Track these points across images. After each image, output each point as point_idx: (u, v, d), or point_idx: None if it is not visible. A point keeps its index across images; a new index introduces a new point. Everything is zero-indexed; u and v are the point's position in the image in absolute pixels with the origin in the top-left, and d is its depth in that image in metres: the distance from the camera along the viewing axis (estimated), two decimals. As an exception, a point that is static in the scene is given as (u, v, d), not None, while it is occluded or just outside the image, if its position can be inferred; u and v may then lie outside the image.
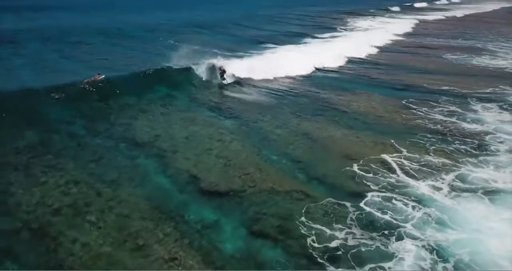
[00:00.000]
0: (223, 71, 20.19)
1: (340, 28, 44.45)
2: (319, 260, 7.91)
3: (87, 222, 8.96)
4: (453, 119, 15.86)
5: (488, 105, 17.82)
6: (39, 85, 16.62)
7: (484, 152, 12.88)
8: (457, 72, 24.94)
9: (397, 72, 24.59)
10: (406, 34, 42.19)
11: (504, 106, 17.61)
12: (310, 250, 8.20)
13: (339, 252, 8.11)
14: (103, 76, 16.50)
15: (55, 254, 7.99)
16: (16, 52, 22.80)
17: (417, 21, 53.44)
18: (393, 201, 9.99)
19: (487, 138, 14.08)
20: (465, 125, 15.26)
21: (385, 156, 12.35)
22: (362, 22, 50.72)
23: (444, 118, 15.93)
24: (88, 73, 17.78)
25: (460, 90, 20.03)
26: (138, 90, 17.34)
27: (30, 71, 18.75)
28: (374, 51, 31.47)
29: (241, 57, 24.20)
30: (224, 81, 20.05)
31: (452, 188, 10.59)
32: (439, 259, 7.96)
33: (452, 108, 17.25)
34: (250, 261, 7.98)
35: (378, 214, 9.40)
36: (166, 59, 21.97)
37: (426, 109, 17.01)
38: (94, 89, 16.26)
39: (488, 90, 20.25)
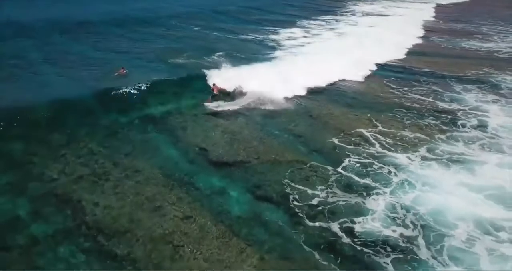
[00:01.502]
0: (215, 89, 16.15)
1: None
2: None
3: (106, 188, 9.84)
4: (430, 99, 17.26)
5: (469, 86, 18.99)
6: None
7: (455, 128, 14.37)
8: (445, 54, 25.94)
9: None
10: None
11: (485, 88, 18.89)
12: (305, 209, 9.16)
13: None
14: (126, 70, 17.08)
15: (80, 215, 8.89)
16: (37, 45, 22.97)
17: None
18: (372, 167, 11.19)
19: (459, 114, 15.60)
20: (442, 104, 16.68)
21: (363, 130, 13.77)
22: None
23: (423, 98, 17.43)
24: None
25: (442, 73, 21.19)
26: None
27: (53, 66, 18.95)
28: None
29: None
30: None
31: (424, 158, 12.00)
32: (407, 213, 9.36)
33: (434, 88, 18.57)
34: (256, 221, 8.90)
35: (357, 178, 10.76)
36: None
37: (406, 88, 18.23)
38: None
39: (473, 73, 21.42)
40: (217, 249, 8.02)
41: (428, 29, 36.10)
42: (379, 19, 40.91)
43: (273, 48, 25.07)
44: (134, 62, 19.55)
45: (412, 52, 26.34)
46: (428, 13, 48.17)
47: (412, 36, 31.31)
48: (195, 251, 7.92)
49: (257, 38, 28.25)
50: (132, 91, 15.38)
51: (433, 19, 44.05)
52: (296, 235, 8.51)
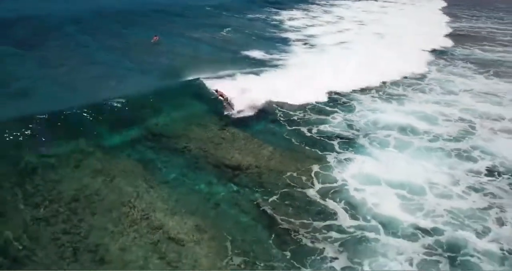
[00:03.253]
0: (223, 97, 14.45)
1: None
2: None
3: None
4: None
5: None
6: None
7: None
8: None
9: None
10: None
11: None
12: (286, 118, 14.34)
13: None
14: (159, 37, 22.13)
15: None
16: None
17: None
18: (340, 101, 16.28)
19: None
20: None
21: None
22: None
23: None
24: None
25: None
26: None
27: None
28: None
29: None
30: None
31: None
32: (356, 122, 14.32)
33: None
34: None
35: (328, 108, 15.65)
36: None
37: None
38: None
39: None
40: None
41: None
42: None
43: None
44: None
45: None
46: None
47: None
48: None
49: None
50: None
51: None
52: (280, 131, 13.60)
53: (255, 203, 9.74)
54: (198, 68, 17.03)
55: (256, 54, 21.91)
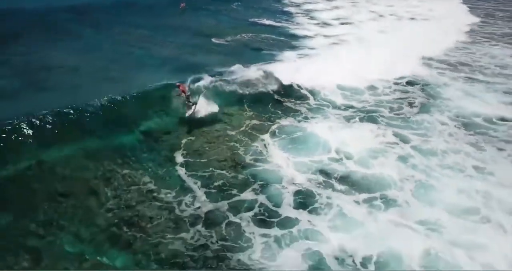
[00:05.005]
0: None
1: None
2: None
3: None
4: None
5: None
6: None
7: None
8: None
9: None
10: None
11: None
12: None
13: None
14: (185, 4, 26.55)
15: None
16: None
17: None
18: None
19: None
20: None
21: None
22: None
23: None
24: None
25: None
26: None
27: None
28: None
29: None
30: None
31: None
32: None
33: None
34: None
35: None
36: None
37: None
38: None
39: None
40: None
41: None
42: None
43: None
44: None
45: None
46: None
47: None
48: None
49: None
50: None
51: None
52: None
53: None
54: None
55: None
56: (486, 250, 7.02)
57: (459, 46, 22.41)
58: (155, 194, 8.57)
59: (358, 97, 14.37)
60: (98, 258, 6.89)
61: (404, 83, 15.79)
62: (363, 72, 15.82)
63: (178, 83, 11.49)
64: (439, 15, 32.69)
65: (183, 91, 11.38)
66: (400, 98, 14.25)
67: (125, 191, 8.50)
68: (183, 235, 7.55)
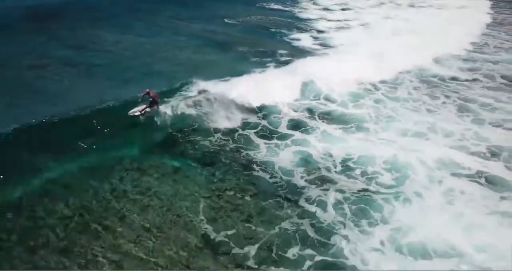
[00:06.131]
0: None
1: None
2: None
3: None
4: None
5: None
6: None
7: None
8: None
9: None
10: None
11: None
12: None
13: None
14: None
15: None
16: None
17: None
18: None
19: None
20: None
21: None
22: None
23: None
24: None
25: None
26: None
27: None
28: None
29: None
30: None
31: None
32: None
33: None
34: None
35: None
36: None
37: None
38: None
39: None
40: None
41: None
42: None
43: None
44: None
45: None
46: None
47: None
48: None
49: None
50: None
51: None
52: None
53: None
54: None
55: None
56: (423, 153, 9.91)
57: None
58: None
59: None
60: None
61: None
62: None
63: (148, 90, 10.68)
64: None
65: (154, 97, 10.81)
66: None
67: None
68: (210, 138, 10.36)
